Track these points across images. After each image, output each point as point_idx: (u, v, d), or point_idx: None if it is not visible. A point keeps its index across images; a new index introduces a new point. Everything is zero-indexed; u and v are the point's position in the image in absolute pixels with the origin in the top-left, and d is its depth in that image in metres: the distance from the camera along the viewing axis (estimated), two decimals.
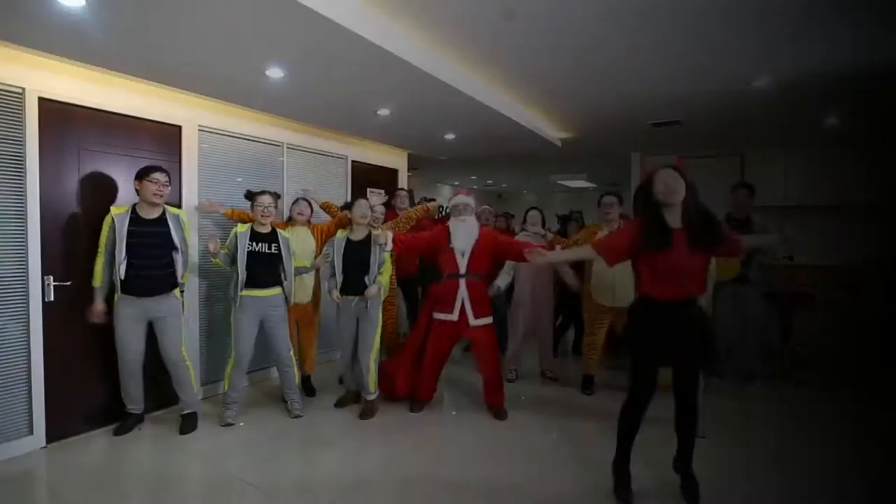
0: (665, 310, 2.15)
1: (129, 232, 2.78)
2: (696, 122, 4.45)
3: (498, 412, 3.30)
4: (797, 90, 3.43)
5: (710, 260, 2.20)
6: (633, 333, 2.24)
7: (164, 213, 2.91)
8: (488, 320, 3.30)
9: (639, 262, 2.20)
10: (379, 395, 3.38)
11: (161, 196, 2.85)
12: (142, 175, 2.82)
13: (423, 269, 6.15)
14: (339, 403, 3.48)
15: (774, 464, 2.69)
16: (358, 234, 3.30)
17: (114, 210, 2.81)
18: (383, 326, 3.85)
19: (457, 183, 10.54)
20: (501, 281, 3.81)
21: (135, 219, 2.82)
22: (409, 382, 3.42)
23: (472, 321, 3.24)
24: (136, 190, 2.85)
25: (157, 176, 2.81)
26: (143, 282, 2.81)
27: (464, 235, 3.27)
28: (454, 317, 3.24)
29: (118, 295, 2.83)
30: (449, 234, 3.31)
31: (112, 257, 2.80)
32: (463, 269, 3.26)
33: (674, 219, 2.15)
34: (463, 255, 3.26)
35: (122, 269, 2.76)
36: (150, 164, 2.93)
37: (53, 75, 2.79)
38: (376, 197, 4.15)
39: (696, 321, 2.17)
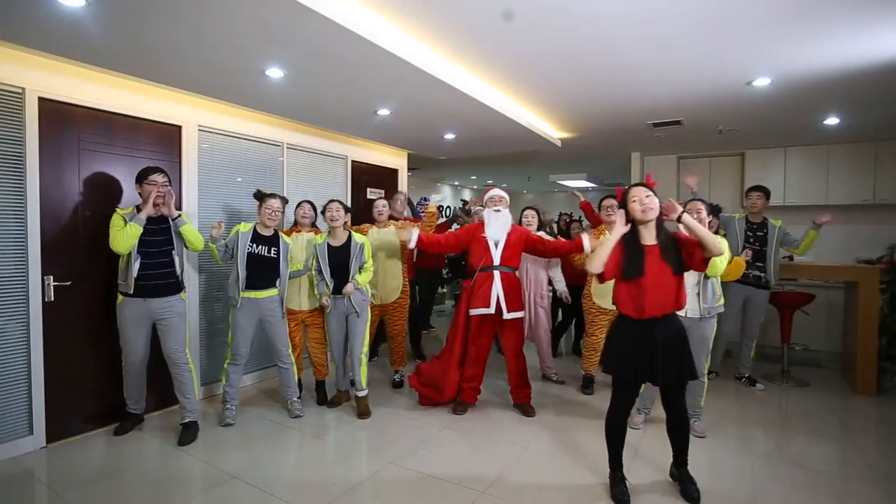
0: (641, 327, 2.18)
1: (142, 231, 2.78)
2: (696, 122, 4.45)
3: (526, 410, 3.37)
4: (797, 90, 3.43)
5: (683, 276, 2.20)
6: (609, 351, 2.29)
7: None
8: (520, 314, 3.36)
9: (616, 282, 2.25)
10: (366, 393, 3.39)
11: (162, 198, 2.83)
12: (140, 178, 2.81)
13: (451, 265, 6.16)
14: (332, 403, 3.49)
15: (774, 464, 2.69)
16: (337, 239, 3.30)
17: (120, 211, 2.79)
18: (394, 332, 3.88)
19: (456, 183, 10.53)
20: (560, 286, 4.08)
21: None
22: (455, 387, 3.41)
23: (506, 314, 3.28)
24: (139, 193, 2.85)
25: (155, 178, 2.80)
26: (152, 282, 2.80)
27: (498, 225, 3.33)
28: (492, 310, 3.25)
29: (122, 297, 2.82)
30: (483, 224, 3.39)
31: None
32: (497, 261, 3.31)
33: (649, 235, 2.21)
34: (496, 245, 3.32)
35: (135, 268, 2.75)
36: (148, 165, 2.91)
37: (53, 75, 2.79)
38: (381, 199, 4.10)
39: (673, 337, 2.18)
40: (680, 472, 2.37)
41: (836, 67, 2.98)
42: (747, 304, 3.94)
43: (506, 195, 3.48)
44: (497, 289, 3.27)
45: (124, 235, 2.70)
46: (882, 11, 2.29)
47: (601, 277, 2.21)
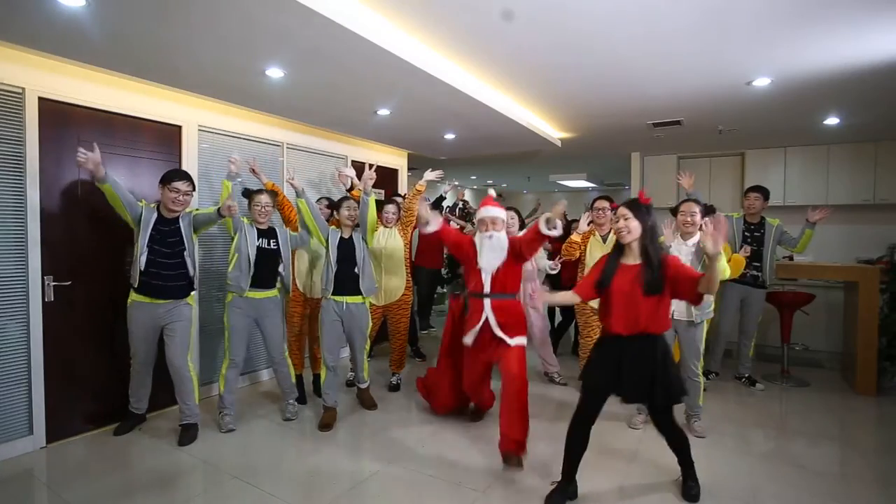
0: (616, 343, 2.17)
1: (154, 228, 2.79)
2: (696, 122, 4.45)
3: (509, 458, 2.60)
4: (797, 90, 3.43)
5: (667, 301, 2.15)
6: (587, 361, 2.31)
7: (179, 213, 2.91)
8: (520, 340, 2.81)
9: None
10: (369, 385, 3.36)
11: (182, 204, 2.84)
12: (164, 181, 2.81)
13: (451, 264, 6.13)
14: (323, 426, 3.11)
15: (774, 464, 2.69)
16: (346, 232, 3.27)
17: (142, 203, 2.82)
18: (397, 329, 3.85)
19: (456, 183, 10.51)
20: (542, 262, 3.86)
21: (158, 217, 2.83)
22: (447, 408, 3.27)
23: (508, 339, 2.80)
24: (159, 193, 2.84)
25: (178, 185, 2.80)
26: (159, 281, 2.79)
27: (490, 253, 2.82)
28: (469, 341, 2.89)
29: (132, 300, 2.82)
30: (475, 249, 2.91)
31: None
32: (487, 288, 2.85)
33: (632, 255, 2.19)
34: (488, 272, 2.89)
35: (142, 260, 2.75)
36: (175, 169, 2.92)
37: (53, 75, 2.79)
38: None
39: (649, 358, 2.14)
40: (685, 475, 2.37)
41: (836, 67, 2.98)
42: (744, 304, 3.95)
43: (501, 213, 2.91)
44: (486, 315, 2.82)
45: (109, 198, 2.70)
46: (882, 11, 2.29)
47: (583, 298, 2.28)
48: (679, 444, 2.31)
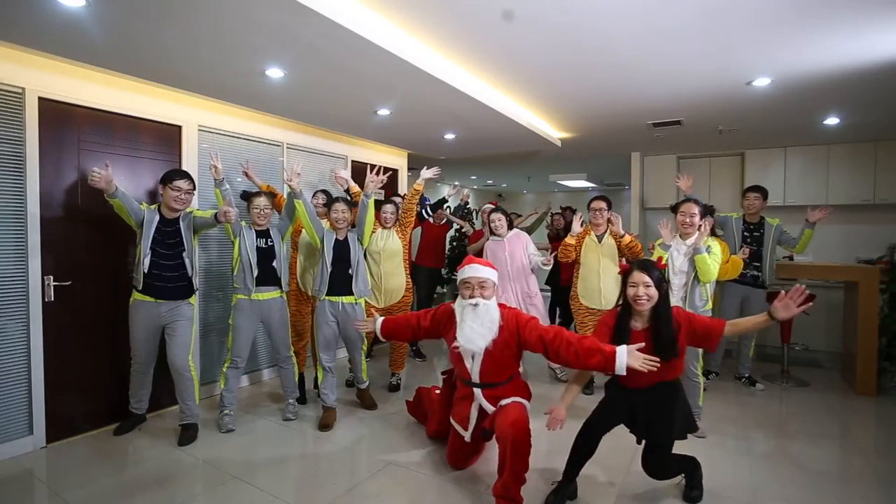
0: (628, 393, 2.18)
1: (156, 229, 2.80)
2: (696, 122, 4.45)
3: None
4: (797, 90, 3.43)
5: (678, 356, 2.14)
6: (601, 401, 2.30)
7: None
8: (516, 398, 2.37)
9: None
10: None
11: (183, 203, 2.85)
12: (165, 180, 2.82)
13: (451, 263, 6.12)
14: (323, 426, 3.11)
15: (774, 464, 2.69)
16: (341, 234, 3.27)
17: (143, 206, 2.82)
18: (397, 343, 3.84)
19: (456, 183, 10.51)
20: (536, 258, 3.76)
21: (160, 218, 2.84)
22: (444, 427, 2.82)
23: (491, 407, 2.39)
24: (160, 193, 2.86)
25: (180, 183, 2.82)
26: (161, 283, 2.80)
27: (475, 328, 2.27)
28: (467, 436, 2.44)
29: (134, 299, 2.83)
30: (454, 319, 2.37)
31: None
32: (476, 377, 2.36)
33: (641, 320, 2.16)
34: (473, 358, 2.34)
35: (146, 262, 2.76)
36: (175, 169, 2.93)
37: (53, 75, 2.79)
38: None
39: (658, 405, 2.15)
40: (689, 483, 2.37)
41: (836, 67, 2.98)
42: (745, 304, 3.95)
43: (491, 274, 2.34)
44: (480, 404, 2.40)
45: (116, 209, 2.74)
46: (882, 11, 2.29)
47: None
48: (678, 471, 2.31)
